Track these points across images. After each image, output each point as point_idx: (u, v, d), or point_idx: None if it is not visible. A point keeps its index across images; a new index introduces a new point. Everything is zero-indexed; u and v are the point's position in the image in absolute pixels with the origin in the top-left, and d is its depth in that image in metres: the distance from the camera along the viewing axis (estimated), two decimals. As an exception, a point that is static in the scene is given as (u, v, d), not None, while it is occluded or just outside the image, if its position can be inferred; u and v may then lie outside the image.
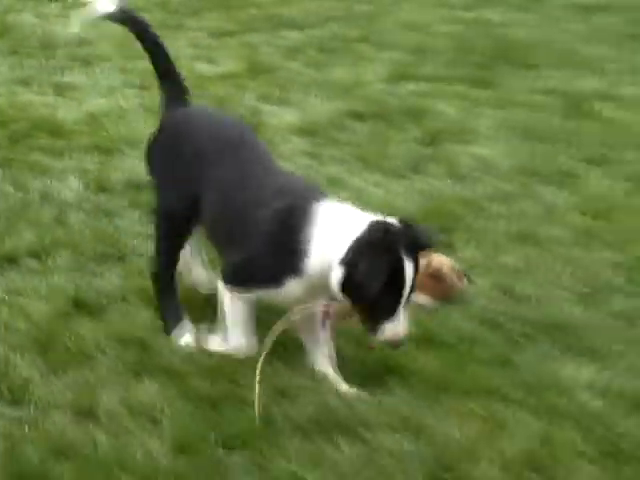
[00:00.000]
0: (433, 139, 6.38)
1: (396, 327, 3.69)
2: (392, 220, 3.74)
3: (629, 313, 4.60)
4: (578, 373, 4.17)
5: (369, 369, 4.11)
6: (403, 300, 3.68)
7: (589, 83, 7.39)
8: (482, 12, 8.98)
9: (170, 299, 4.32)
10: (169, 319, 4.27)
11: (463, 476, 3.55)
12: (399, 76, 7.41)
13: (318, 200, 3.87)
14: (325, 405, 3.89)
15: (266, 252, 3.87)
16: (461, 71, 7.53)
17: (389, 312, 3.68)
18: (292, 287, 3.84)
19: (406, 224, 3.74)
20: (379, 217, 3.77)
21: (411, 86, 7.23)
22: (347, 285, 3.68)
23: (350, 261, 3.65)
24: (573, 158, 6.19)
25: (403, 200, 5.57)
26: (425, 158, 6.12)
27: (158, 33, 7.79)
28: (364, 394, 3.97)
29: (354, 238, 3.68)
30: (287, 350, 4.17)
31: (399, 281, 3.65)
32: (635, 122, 6.74)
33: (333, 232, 3.75)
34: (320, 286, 3.78)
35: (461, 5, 9.13)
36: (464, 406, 3.88)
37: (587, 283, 4.80)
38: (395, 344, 3.77)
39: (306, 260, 3.77)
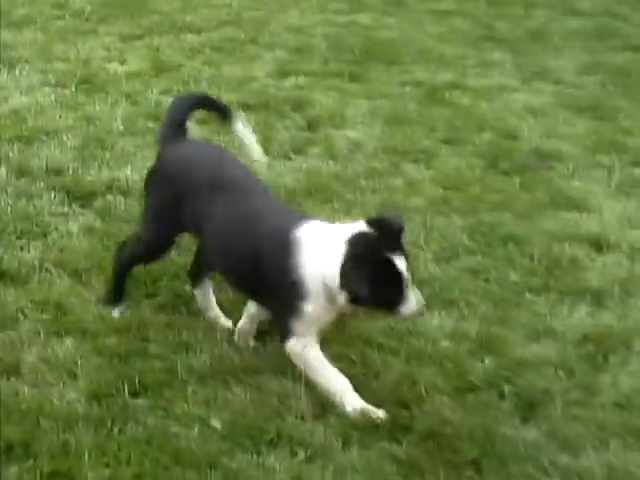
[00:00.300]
0: (312, 125, 6.36)
1: (410, 306, 3.58)
2: (360, 225, 3.58)
3: (475, 268, 4.67)
4: (437, 321, 4.23)
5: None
6: (405, 286, 3.55)
7: (443, 76, 7.43)
8: (354, 16, 8.95)
9: (121, 284, 4.17)
10: (112, 297, 4.15)
11: (339, 413, 3.59)
12: (283, 72, 7.36)
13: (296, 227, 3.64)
14: (220, 354, 3.89)
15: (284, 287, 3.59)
16: (336, 67, 7.50)
17: (400, 299, 3.55)
18: (315, 310, 3.58)
19: (376, 224, 3.56)
20: (351, 230, 3.57)
21: (293, 80, 7.19)
22: (355, 301, 3.53)
23: (347, 284, 3.48)
24: (430, 139, 6.23)
25: (288, 178, 5.55)
26: (306, 141, 6.09)
27: (73, 38, 7.81)
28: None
29: (340, 263, 3.49)
30: (188, 306, 4.16)
31: (396, 275, 3.52)
32: (480, 108, 6.81)
33: (320, 256, 3.55)
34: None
35: (336, 11, 9.08)
36: (342, 353, 3.90)
37: (441, 244, 4.86)
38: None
39: (306, 286, 3.55)
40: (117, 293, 4.14)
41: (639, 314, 4.33)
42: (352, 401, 3.58)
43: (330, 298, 3.55)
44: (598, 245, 4.93)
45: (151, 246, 4.08)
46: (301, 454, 3.37)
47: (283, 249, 3.57)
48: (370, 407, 3.58)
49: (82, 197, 5.15)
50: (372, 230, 3.56)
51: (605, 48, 8.42)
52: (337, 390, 3.59)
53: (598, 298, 4.46)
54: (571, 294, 4.47)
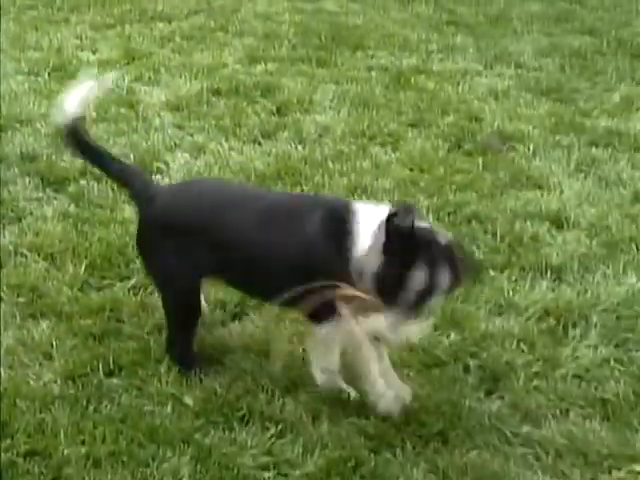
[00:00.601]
0: (281, 110, 6.32)
1: None
2: None
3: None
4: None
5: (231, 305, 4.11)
6: None
7: (408, 60, 7.43)
8: (320, 3, 8.92)
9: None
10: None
11: (309, 389, 3.59)
12: (252, 58, 7.33)
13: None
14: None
15: None
16: (304, 53, 7.47)
17: None
18: None
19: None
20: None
21: (262, 66, 7.16)
22: None
23: None
24: (396, 122, 6.22)
25: (258, 162, 5.53)
26: (275, 126, 6.06)
27: (46, 27, 7.73)
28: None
29: None
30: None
31: None
32: (444, 91, 6.80)
33: None
34: None
35: (303, -2, 9.11)
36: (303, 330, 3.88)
37: (407, 224, 4.84)
38: None
39: None
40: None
41: (597, 289, 4.34)
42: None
43: None
44: (558, 222, 4.95)
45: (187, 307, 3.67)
46: (272, 429, 3.37)
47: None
48: (343, 386, 3.57)
49: (56, 182, 5.11)
50: None
51: (563, 32, 8.46)
52: (321, 364, 3.56)
53: (558, 273, 4.47)
54: (532, 270, 4.48)
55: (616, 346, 3.96)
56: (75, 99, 3.74)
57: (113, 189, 5.02)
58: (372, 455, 3.30)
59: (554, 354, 3.87)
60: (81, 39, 7.63)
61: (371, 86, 6.85)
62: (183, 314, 3.66)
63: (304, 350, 3.69)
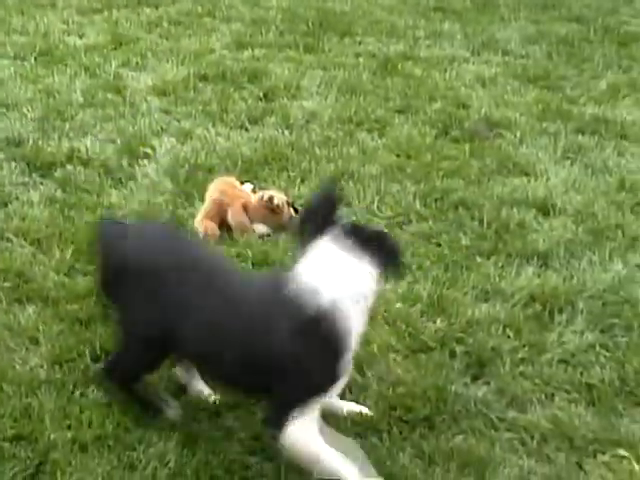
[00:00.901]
0: (268, 96, 6.31)
1: None
2: None
3: (428, 233, 4.67)
4: (390, 284, 4.18)
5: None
6: None
7: (395, 47, 7.42)
8: (308, -11, 8.94)
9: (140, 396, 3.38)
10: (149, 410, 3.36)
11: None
12: (239, 44, 7.31)
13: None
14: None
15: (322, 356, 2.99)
16: (291, 39, 7.46)
17: None
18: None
19: None
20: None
21: (249, 52, 7.14)
22: None
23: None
24: (384, 108, 6.21)
25: (245, 148, 5.51)
26: (262, 112, 6.04)
27: (32, 11, 7.68)
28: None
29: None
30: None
31: None
32: (432, 78, 6.80)
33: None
34: None
35: (291, -16, 9.05)
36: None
37: (394, 209, 4.85)
38: None
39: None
40: (145, 404, 3.38)
41: (583, 275, 4.35)
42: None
43: None
44: (544, 209, 4.95)
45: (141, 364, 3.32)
46: (259, 414, 3.36)
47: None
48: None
49: (42, 167, 5.10)
50: None
51: (550, 19, 8.46)
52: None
53: (544, 260, 4.48)
54: (519, 256, 4.48)
55: (602, 332, 3.97)
56: None
57: (99, 174, 5.01)
58: (359, 440, 3.29)
59: (540, 340, 3.88)
60: (68, 24, 7.60)
61: (358, 72, 6.84)
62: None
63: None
